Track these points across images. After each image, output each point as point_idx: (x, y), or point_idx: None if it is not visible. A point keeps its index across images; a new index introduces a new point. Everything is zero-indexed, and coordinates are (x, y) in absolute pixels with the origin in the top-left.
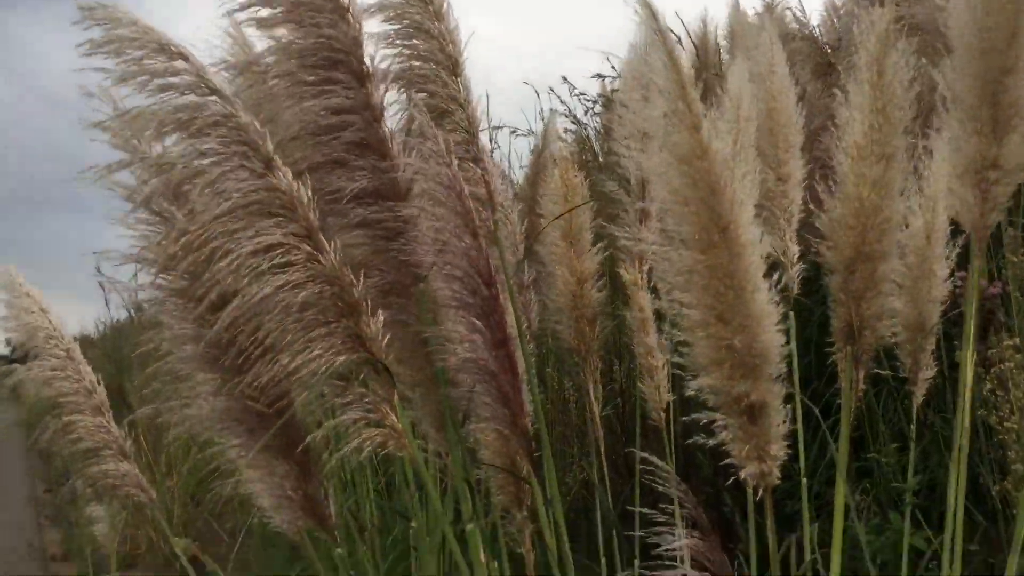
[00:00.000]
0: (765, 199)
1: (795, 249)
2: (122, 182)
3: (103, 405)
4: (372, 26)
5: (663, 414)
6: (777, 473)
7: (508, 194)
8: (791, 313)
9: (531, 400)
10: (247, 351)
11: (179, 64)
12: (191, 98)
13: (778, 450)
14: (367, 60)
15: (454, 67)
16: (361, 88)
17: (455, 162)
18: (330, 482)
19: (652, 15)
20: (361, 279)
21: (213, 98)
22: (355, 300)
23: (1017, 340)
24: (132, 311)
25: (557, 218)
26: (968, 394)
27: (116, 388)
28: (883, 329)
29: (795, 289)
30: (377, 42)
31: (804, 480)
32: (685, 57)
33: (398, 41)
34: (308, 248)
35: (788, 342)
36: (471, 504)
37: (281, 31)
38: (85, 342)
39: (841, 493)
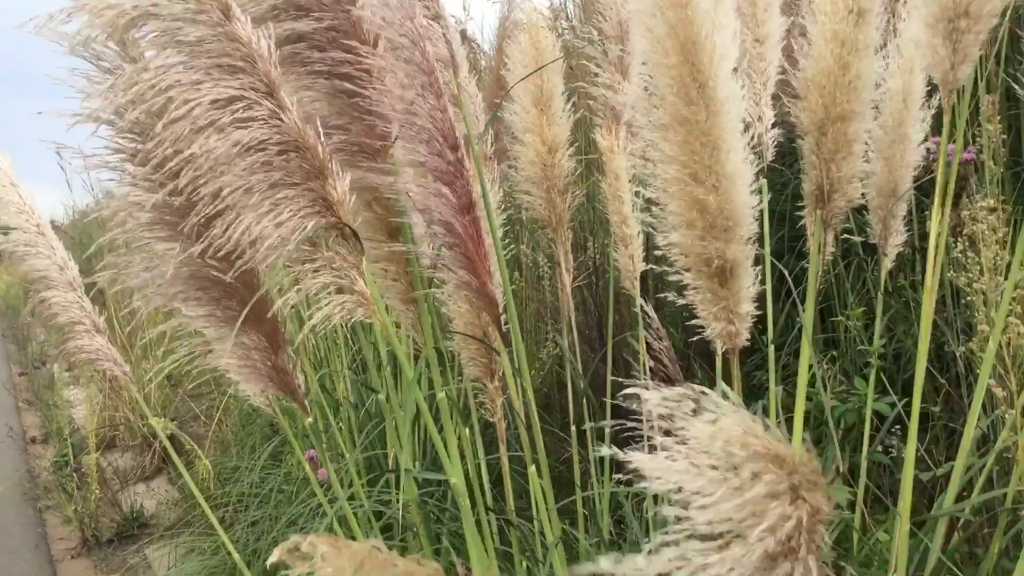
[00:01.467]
0: (742, 60)
1: (770, 114)
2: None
3: (75, 281)
4: None
5: (636, 284)
6: (746, 334)
7: (478, 61)
8: (764, 180)
9: (500, 270)
10: (206, 214)
11: None
12: None
13: (747, 311)
14: None
15: None
16: None
17: (419, 15)
18: (298, 356)
19: None
20: (321, 139)
21: None
22: (321, 162)
23: (991, 202)
24: (97, 196)
25: (524, 78)
26: (939, 247)
27: (87, 273)
28: (853, 191)
29: (769, 156)
30: None
31: (771, 347)
32: None
33: None
34: (270, 105)
35: (760, 204)
36: (440, 373)
37: None
38: (54, 229)
39: (806, 354)
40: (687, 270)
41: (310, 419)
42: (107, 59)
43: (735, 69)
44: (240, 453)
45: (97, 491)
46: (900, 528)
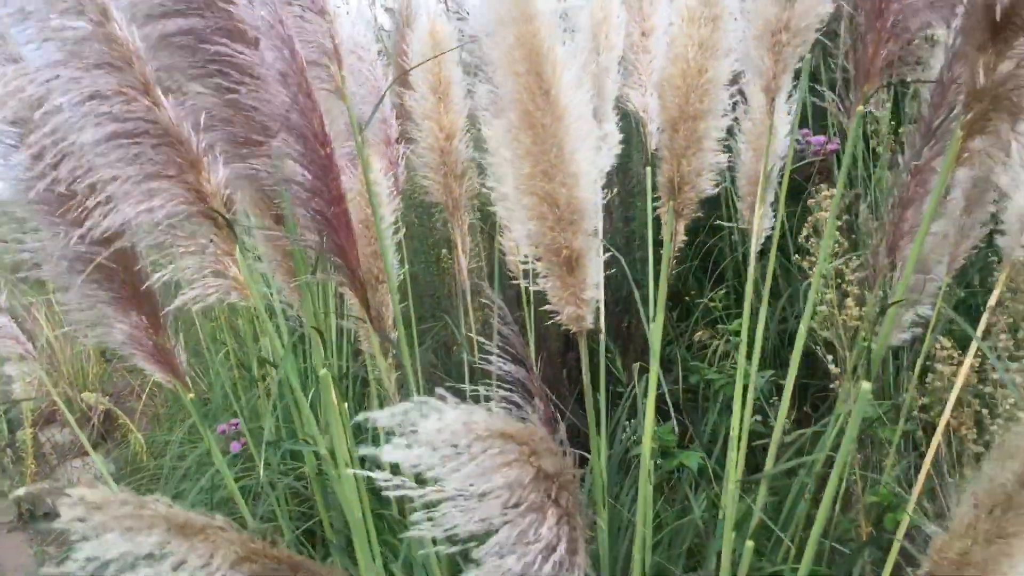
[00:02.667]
0: (631, 52)
1: (655, 105)
2: None
3: None
4: None
5: (520, 267)
6: (591, 318)
7: (373, 47)
8: (650, 169)
9: (383, 254)
10: (86, 205)
11: None
12: None
13: (592, 296)
14: None
15: None
16: None
17: (287, 17)
18: (179, 334)
19: None
20: (196, 134)
21: None
22: (195, 155)
23: (834, 190)
24: None
25: (416, 66)
26: (759, 237)
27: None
28: (703, 184)
29: (654, 144)
30: None
31: (654, 325)
32: None
33: None
34: (146, 102)
35: (605, 198)
36: (323, 352)
37: None
38: None
39: (657, 338)
40: (539, 259)
41: (191, 395)
42: None
43: (621, 59)
44: (171, 426)
45: (33, 466)
46: (728, 490)
